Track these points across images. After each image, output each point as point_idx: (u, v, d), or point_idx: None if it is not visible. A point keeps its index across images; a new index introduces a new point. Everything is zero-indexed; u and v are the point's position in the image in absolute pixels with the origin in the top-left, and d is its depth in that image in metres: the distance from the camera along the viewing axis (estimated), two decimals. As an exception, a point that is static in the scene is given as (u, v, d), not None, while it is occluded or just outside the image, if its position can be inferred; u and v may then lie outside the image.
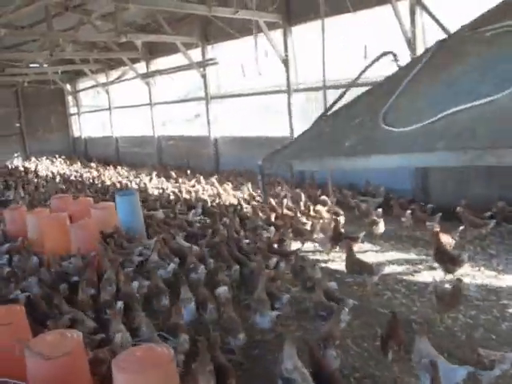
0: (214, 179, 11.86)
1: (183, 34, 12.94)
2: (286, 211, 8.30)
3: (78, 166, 18.32)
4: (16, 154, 22.24)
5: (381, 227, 7.33)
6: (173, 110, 16.20)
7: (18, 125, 21.89)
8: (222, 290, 5.02)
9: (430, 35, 8.69)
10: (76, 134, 22.89)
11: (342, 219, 7.76)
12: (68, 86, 21.71)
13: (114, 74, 18.38)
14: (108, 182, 13.23)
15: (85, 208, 9.03)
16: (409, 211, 7.62)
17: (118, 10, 11.36)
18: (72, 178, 14.93)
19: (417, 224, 7.55)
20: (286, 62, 11.27)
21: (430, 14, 8.38)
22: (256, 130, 12.94)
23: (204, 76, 13.53)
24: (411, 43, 8.68)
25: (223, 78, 13.61)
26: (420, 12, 8.70)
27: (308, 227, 7.44)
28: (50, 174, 16.09)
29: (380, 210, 7.84)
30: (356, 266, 5.66)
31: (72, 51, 14.33)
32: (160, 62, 15.73)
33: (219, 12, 9.58)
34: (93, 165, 17.66)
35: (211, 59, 13.15)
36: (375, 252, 6.99)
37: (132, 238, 7.44)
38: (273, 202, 8.64)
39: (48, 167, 18.47)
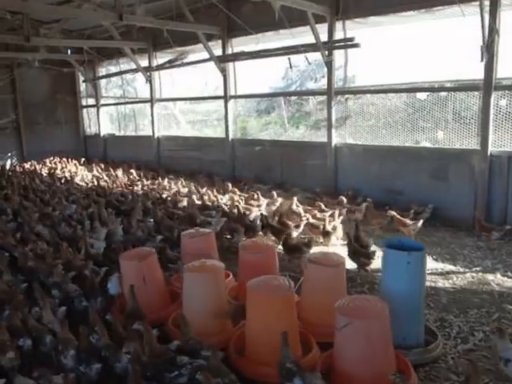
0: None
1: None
2: None
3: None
4: (9, 154, 17.47)
5: None
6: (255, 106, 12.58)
7: (14, 117, 17.09)
8: None
9: None
10: (89, 130, 18.36)
11: None
12: (81, 70, 17.12)
13: (159, 58, 14.36)
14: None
15: (269, 261, 5.46)
16: None
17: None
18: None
19: None
20: (489, 47, 8.03)
21: None
22: (401, 138, 9.63)
23: (330, 63, 9.95)
24: None
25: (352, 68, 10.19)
26: None
27: None
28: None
29: None
30: None
31: (145, 16, 10.20)
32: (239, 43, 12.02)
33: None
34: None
35: (348, 39, 9.61)
36: None
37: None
38: None
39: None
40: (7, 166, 16.31)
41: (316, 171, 10.70)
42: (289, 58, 9.42)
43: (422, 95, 9.14)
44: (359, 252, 6.29)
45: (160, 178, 12.22)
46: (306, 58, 9.38)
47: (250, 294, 4.31)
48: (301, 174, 11.01)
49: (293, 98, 11.58)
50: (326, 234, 7.33)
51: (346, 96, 10.21)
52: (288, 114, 11.75)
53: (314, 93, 10.85)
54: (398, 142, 9.63)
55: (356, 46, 9.52)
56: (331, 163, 10.40)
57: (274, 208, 9.16)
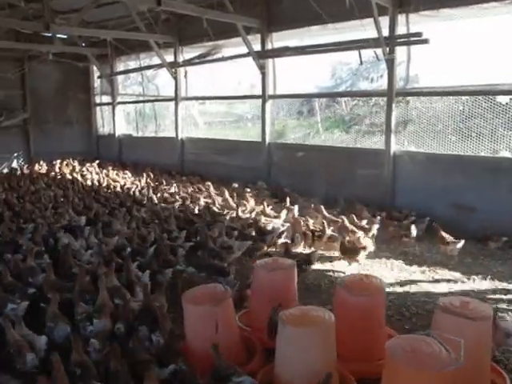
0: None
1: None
2: None
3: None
4: (16, 154, 16.19)
5: None
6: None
7: (25, 116, 15.79)
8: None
9: None
10: (102, 130, 17.11)
11: None
12: (97, 65, 15.81)
13: (185, 53, 13.18)
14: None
15: (378, 307, 4.33)
16: None
17: None
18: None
19: None
20: None
21: None
22: (475, 146, 8.49)
23: (391, 61, 8.79)
24: None
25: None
26: None
27: None
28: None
29: None
30: None
31: (184, 2, 9.00)
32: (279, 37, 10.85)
33: None
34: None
35: (415, 34, 8.47)
36: None
37: None
38: None
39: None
40: (15, 166, 15.14)
41: (369, 181, 9.53)
42: (359, 52, 8.26)
43: (503, 98, 8.01)
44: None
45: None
46: (376, 54, 8.22)
47: (393, 363, 3.15)
48: (350, 184, 9.83)
49: (343, 99, 10.42)
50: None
51: (408, 98, 9.07)
52: (337, 117, 10.56)
53: (370, 94, 9.67)
54: (470, 150, 8.50)
55: (424, 41, 8.36)
56: (389, 172, 9.24)
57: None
